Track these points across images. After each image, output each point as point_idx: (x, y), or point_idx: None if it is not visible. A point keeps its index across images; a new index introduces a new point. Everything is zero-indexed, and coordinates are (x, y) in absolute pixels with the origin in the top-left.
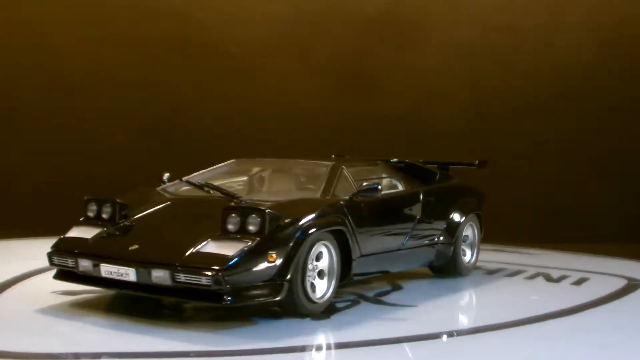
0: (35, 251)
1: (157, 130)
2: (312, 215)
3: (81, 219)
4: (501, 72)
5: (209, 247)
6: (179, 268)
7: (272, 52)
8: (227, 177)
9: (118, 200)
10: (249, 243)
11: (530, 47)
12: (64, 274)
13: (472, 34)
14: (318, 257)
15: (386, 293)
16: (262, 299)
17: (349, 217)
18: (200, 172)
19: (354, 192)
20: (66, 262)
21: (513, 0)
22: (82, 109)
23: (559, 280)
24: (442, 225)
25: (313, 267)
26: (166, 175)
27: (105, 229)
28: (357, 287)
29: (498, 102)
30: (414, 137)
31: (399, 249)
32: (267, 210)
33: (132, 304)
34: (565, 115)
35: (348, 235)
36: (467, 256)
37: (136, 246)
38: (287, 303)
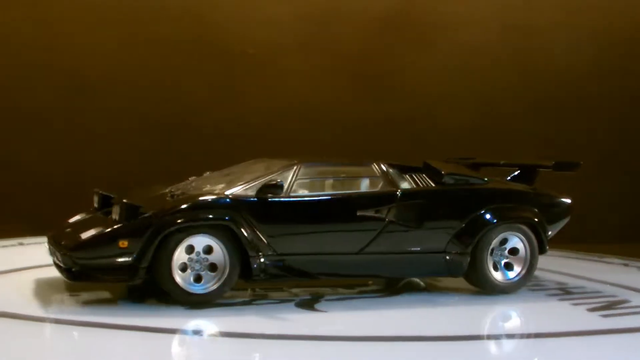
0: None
1: (173, 130)
2: (178, 209)
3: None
4: (516, 72)
5: (88, 233)
6: (61, 251)
7: (287, 53)
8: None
9: (101, 192)
10: (103, 229)
11: (545, 47)
12: None
13: (486, 34)
14: (208, 251)
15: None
16: (114, 279)
17: (245, 214)
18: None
19: (257, 190)
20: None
21: (529, 0)
22: (98, 109)
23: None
24: (448, 232)
25: (201, 259)
26: (206, 174)
27: (83, 216)
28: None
29: (512, 102)
30: (427, 137)
31: (357, 253)
32: (124, 201)
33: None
34: (577, 116)
35: (238, 232)
36: (513, 272)
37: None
38: (167, 291)
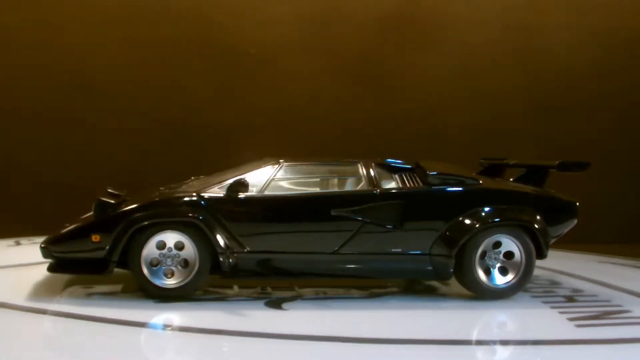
0: None
1: (176, 130)
2: (147, 206)
3: None
4: (517, 72)
5: (68, 228)
6: (41, 245)
7: (288, 53)
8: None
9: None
10: (78, 225)
11: (547, 47)
12: None
13: (488, 34)
14: (179, 247)
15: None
16: (88, 272)
17: (213, 212)
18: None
19: (227, 188)
20: None
21: (530, 1)
22: (99, 109)
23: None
24: (432, 234)
25: (173, 254)
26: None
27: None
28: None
29: (514, 102)
30: (431, 137)
31: (333, 253)
32: (98, 198)
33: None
34: (578, 116)
35: (204, 229)
36: (507, 277)
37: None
38: (139, 284)
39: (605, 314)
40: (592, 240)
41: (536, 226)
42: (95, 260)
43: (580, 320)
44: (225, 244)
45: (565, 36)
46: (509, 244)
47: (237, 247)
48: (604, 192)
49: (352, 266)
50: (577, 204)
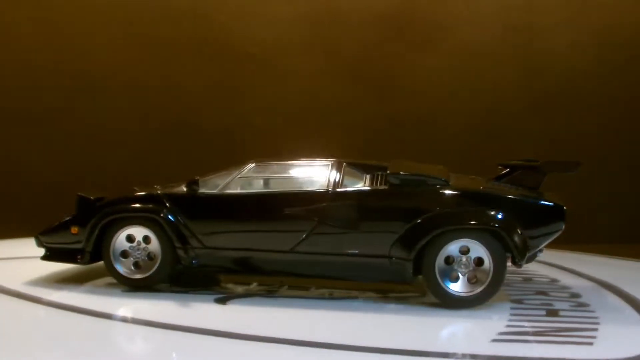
0: None
1: (177, 130)
2: (116, 202)
3: None
4: (517, 72)
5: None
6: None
7: (289, 53)
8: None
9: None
10: (64, 218)
11: (547, 47)
12: None
13: (488, 34)
14: (147, 241)
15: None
16: (70, 261)
17: (173, 208)
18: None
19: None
20: None
21: (530, 0)
22: (100, 109)
23: None
24: (389, 236)
25: (142, 248)
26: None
27: None
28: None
29: (514, 102)
30: (431, 137)
31: (289, 252)
32: (77, 194)
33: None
34: (579, 116)
35: (163, 224)
36: (475, 285)
37: None
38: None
39: (555, 331)
40: (592, 240)
41: (505, 231)
42: (73, 250)
43: (511, 335)
44: (183, 239)
45: (565, 35)
46: (477, 249)
47: (196, 243)
48: (604, 192)
49: (310, 266)
50: (565, 207)
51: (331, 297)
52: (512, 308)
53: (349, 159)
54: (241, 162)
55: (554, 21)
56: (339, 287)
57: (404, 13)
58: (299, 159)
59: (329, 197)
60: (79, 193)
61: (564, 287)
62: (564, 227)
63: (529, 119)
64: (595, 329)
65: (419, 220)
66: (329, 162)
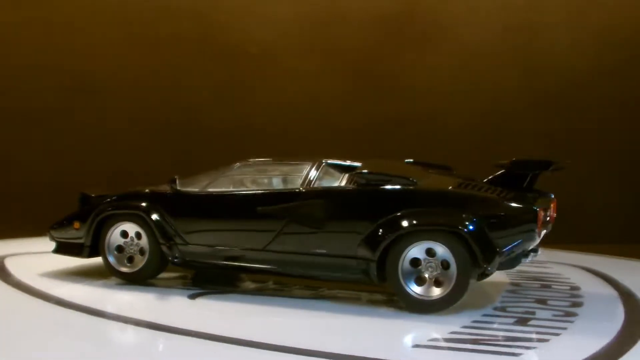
0: None
1: (177, 130)
2: (110, 200)
3: None
4: (517, 71)
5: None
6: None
7: (289, 52)
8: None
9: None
10: (70, 213)
11: (547, 47)
12: None
13: (488, 34)
14: (139, 236)
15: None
16: (74, 254)
17: (158, 206)
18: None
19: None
20: None
21: (530, 0)
22: (103, 109)
23: None
24: (355, 236)
25: (135, 243)
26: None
27: None
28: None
29: (515, 102)
30: (431, 137)
31: (263, 250)
32: (80, 191)
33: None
34: (579, 116)
35: (149, 221)
36: (440, 288)
37: None
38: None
39: (497, 340)
40: (592, 240)
41: (468, 234)
42: (76, 244)
43: (442, 342)
44: (166, 235)
45: (565, 35)
46: (442, 252)
47: (178, 239)
48: (604, 192)
49: (283, 264)
50: (537, 209)
51: (290, 296)
52: (483, 315)
53: (332, 159)
54: (233, 162)
55: (554, 21)
56: (317, 286)
57: (404, 13)
58: (283, 159)
59: (299, 197)
60: (82, 191)
61: (576, 296)
62: (536, 229)
63: (529, 118)
64: (547, 340)
65: (382, 221)
66: (309, 162)
